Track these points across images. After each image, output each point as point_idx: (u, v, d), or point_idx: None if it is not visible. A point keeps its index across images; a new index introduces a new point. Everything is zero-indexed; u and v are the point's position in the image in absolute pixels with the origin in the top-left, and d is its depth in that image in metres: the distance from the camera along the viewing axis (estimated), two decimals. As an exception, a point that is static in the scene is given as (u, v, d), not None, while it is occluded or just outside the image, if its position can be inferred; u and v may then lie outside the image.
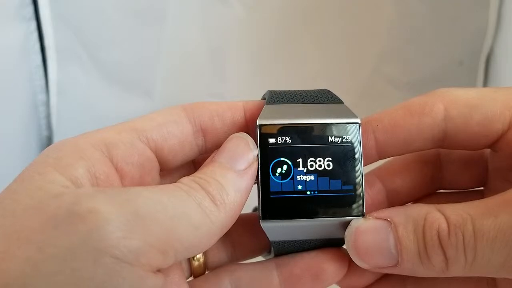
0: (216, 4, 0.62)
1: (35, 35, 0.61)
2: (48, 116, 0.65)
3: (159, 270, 0.22)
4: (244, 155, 0.25)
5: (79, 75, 0.64)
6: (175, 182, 0.24)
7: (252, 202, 0.26)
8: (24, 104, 0.62)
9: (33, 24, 0.60)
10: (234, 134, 0.26)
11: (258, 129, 0.26)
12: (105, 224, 0.20)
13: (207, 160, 0.25)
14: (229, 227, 0.24)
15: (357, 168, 0.26)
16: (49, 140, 0.66)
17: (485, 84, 0.63)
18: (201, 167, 0.25)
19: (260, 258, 0.29)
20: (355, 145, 0.26)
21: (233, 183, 0.24)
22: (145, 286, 0.21)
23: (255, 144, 0.25)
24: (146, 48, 0.64)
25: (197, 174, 0.24)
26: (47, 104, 0.64)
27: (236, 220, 0.28)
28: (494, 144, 0.26)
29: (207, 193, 0.23)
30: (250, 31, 0.64)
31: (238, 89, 0.66)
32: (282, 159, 0.25)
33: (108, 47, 0.64)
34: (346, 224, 0.25)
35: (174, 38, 0.63)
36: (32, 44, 0.61)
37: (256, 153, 0.25)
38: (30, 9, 0.59)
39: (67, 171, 0.22)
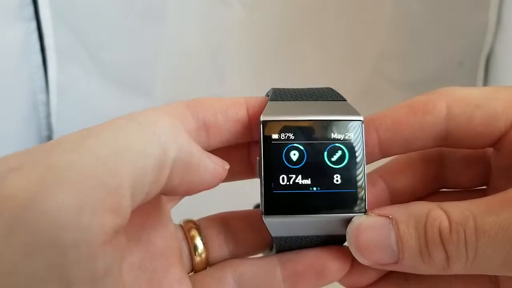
0: (216, 4, 0.62)
1: (35, 35, 0.61)
2: (48, 116, 0.65)
3: (116, 232, 0.20)
4: None
5: (79, 75, 0.64)
6: None
7: (253, 199, 0.27)
8: (24, 104, 0.62)
9: (33, 24, 0.60)
10: None
11: (261, 125, 0.26)
12: (29, 205, 0.18)
13: None
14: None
15: (359, 165, 0.26)
16: (49, 140, 0.66)
17: (485, 84, 0.63)
18: None
19: (261, 255, 0.29)
20: (357, 142, 0.26)
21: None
22: (97, 264, 0.19)
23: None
24: (146, 48, 0.64)
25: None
26: (47, 104, 0.64)
27: (238, 216, 0.28)
28: (496, 143, 0.26)
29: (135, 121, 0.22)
30: (250, 31, 0.64)
31: (238, 89, 0.66)
32: (285, 155, 0.25)
33: (108, 47, 0.64)
34: (348, 221, 0.26)
35: (174, 38, 0.63)
36: (32, 44, 0.61)
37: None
38: (30, 9, 0.59)
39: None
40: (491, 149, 0.27)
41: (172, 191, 0.24)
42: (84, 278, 0.18)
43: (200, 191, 0.25)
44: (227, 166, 0.26)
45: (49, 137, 0.66)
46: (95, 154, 0.20)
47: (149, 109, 0.24)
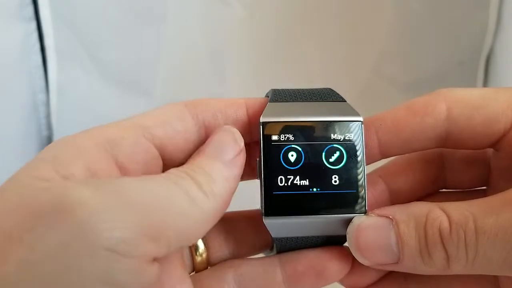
0: (216, 4, 0.62)
1: (35, 35, 0.61)
2: (48, 116, 0.65)
3: (155, 260, 0.22)
4: (230, 146, 0.25)
5: (79, 75, 0.64)
6: None
7: (254, 200, 0.27)
8: (24, 104, 0.62)
9: (33, 24, 0.60)
10: (220, 127, 0.26)
11: (261, 126, 0.26)
12: (95, 215, 0.20)
13: (194, 153, 0.25)
14: (220, 215, 0.24)
15: (359, 165, 0.26)
16: (49, 140, 0.66)
17: (485, 84, 0.63)
18: (189, 159, 0.25)
19: (262, 255, 0.29)
20: (357, 142, 0.26)
21: (219, 172, 0.24)
22: (142, 276, 0.21)
23: (241, 136, 0.26)
24: (146, 48, 0.64)
25: (184, 165, 0.24)
26: (47, 104, 0.64)
27: (239, 217, 0.28)
28: (496, 143, 0.26)
29: (194, 181, 0.23)
30: (250, 31, 0.64)
31: (238, 89, 0.66)
32: (284, 156, 0.26)
33: (108, 47, 0.64)
34: (348, 221, 0.26)
35: (174, 38, 0.63)
36: (32, 44, 0.61)
37: (242, 145, 0.25)
38: (30, 9, 0.59)
39: (62, 168, 0.22)
40: (491, 150, 0.28)
41: None
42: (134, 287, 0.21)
43: None
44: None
45: (49, 137, 0.66)
46: (151, 198, 0.22)
47: (142, 114, 0.26)
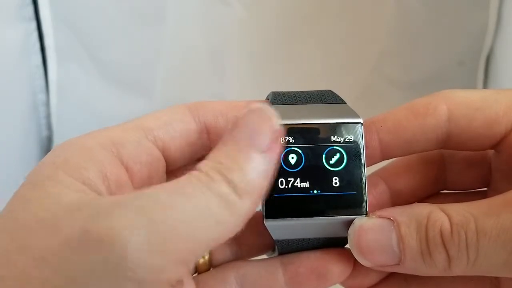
0: (216, 4, 0.62)
1: (35, 35, 0.61)
2: (48, 116, 0.65)
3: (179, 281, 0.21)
4: (265, 129, 0.22)
5: (79, 75, 0.64)
6: None
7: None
8: (24, 104, 0.62)
9: (33, 24, 0.60)
10: (251, 106, 0.23)
11: None
12: (124, 244, 0.19)
13: (224, 137, 0.23)
14: (251, 216, 0.22)
15: (359, 167, 0.26)
16: (49, 140, 0.66)
17: (485, 83, 0.63)
18: (219, 144, 0.22)
19: (263, 257, 0.29)
20: (357, 144, 0.26)
21: (256, 166, 0.22)
22: None
23: (275, 113, 0.23)
24: (146, 48, 0.64)
25: (216, 157, 0.22)
26: (47, 104, 0.64)
27: None
28: (497, 145, 0.26)
29: (228, 183, 0.21)
30: (250, 31, 0.64)
31: (238, 89, 0.66)
32: (285, 158, 0.26)
33: (108, 47, 0.64)
34: (349, 223, 0.26)
35: (174, 38, 0.63)
36: (32, 44, 0.61)
37: (280, 123, 0.23)
38: (30, 9, 0.59)
39: (78, 173, 0.22)
40: (492, 151, 0.28)
41: None
42: None
43: None
44: None
45: (49, 137, 0.66)
46: (185, 217, 0.20)
47: (145, 116, 0.25)
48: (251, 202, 0.22)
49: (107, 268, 0.19)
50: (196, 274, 0.28)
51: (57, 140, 0.65)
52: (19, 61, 0.60)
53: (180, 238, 0.20)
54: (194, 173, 0.21)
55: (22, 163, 0.62)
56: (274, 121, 0.22)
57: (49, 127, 0.65)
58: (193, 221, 0.20)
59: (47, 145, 0.66)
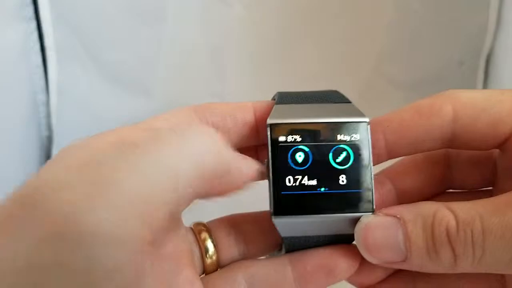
0: (216, 4, 0.62)
1: (35, 35, 0.61)
2: (48, 116, 0.65)
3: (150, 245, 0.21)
4: None
5: (79, 75, 0.64)
6: None
7: (261, 200, 0.27)
8: (24, 104, 0.62)
9: (33, 24, 0.60)
10: None
11: (268, 128, 0.26)
12: (74, 213, 0.19)
13: None
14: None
15: (366, 165, 0.26)
16: (49, 140, 0.66)
17: (485, 84, 0.63)
18: None
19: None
20: (364, 143, 0.26)
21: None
22: (128, 273, 0.20)
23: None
24: (146, 48, 0.64)
25: None
26: (47, 104, 0.64)
27: (247, 218, 0.28)
28: (502, 144, 0.26)
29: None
30: (250, 31, 0.64)
31: (238, 89, 0.66)
32: (292, 157, 0.26)
33: (108, 47, 0.64)
34: (356, 220, 0.26)
35: (174, 38, 0.63)
36: (32, 44, 0.61)
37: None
38: (30, 9, 0.59)
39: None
40: (497, 150, 0.28)
41: (207, 196, 0.24)
42: (118, 286, 0.19)
43: (232, 192, 0.26)
44: (259, 167, 0.26)
45: (49, 137, 0.66)
46: (138, 172, 0.20)
47: (153, 118, 0.25)
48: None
49: (63, 242, 0.19)
50: (204, 275, 0.28)
51: (57, 140, 0.65)
52: (19, 61, 0.60)
53: (129, 195, 0.20)
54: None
55: (22, 163, 0.62)
56: None
57: (49, 127, 0.65)
58: (145, 177, 0.20)
59: (47, 145, 0.66)
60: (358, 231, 0.26)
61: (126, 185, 0.20)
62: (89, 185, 0.20)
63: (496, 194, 0.25)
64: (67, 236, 0.19)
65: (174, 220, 0.25)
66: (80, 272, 0.19)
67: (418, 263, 0.24)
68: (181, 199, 0.22)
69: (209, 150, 0.23)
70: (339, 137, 0.26)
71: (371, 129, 0.27)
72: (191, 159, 0.22)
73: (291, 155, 0.26)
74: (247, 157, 0.26)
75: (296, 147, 0.26)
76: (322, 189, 0.26)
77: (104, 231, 0.19)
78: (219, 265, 0.28)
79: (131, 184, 0.20)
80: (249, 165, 0.26)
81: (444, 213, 0.24)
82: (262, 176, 0.27)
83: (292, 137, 0.26)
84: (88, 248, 0.19)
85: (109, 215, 0.19)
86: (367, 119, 0.27)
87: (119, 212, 0.19)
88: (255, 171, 0.26)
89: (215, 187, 0.24)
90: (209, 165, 0.23)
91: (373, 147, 0.27)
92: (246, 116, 0.27)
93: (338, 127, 0.26)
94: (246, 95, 0.28)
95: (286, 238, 0.27)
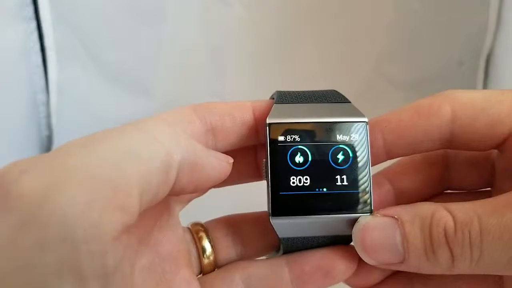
0: (216, 4, 0.62)
1: (35, 35, 0.61)
2: (48, 116, 0.65)
3: (124, 231, 0.20)
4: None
5: (79, 75, 0.64)
6: None
7: (259, 201, 0.27)
8: (24, 104, 0.62)
9: (33, 24, 0.60)
10: None
11: (267, 127, 0.26)
12: (43, 203, 0.19)
13: None
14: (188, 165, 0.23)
15: (364, 165, 0.26)
16: (49, 140, 0.66)
17: (485, 84, 0.63)
18: None
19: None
20: (362, 143, 0.26)
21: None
22: (108, 259, 0.20)
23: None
24: (146, 48, 0.64)
25: None
26: (47, 104, 0.64)
27: (245, 219, 0.28)
28: (500, 145, 0.26)
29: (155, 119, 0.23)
30: (250, 31, 0.64)
31: (238, 89, 0.66)
32: (291, 157, 0.26)
33: (108, 47, 0.64)
34: (354, 221, 0.26)
35: (174, 38, 0.63)
36: (32, 44, 0.61)
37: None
38: (30, 9, 0.59)
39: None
40: (496, 151, 0.28)
41: (181, 191, 0.24)
42: (95, 272, 0.19)
43: (208, 187, 0.26)
44: (231, 161, 0.26)
45: (49, 137, 0.66)
46: (102, 157, 0.21)
47: (148, 118, 0.25)
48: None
49: (24, 231, 0.19)
50: (201, 275, 0.28)
51: (57, 140, 0.65)
52: (19, 61, 0.60)
53: (106, 179, 0.20)
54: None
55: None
56: None
57: (49, 127, 0.65)
58: (116, 157, 0.20)
59: (47, 145, 0.66)
60: (356, 232, 0.26)
61: (90, 170, 0.20)
62: (54, 170, 0.20)
63: (495, 195, 0.25)
64: (40, 222, 0.19)
65: (155, 211, 0.25)
66: (58, 255, 0.19)
67: (416, 264, 0.24)
68: (147, 185, 0.21)
69: (168, 141, 0.23)
70: (338, 137, 0.26)
71: (369, 129, 0.26)
72: (150, 148, 0.22)
73: (290, 155, 0.26)
74: (217, 152, 0.26)
75: (295, 147, 0.26)
76: (321, 189, 0.26)
77: (74, 211, 0.19)
78: (216, 266, 0.28)
79: (95, 169, 0.20)
80: (220, 159, 0.26)
81: (442, 214, 0.24)
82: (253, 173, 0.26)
83: (291, 137, 0.26)
84: (63, 232, 0.19)
85: (78, 198, 0.19)
86: (366, 119, 0.27)
87: (87, 194, 0.19)
88: (226, 164, 0.26)
89: (187, 182, 0.24)
90: (169, 155, 0.23)
91: (372, 147, 0.27)
92: (245, 116, 0.27)
93: (337, 127, 0.26)
94: (246, 95, 0.28)
95: (284, 239, 0.27)
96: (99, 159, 0.20)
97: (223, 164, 0.26)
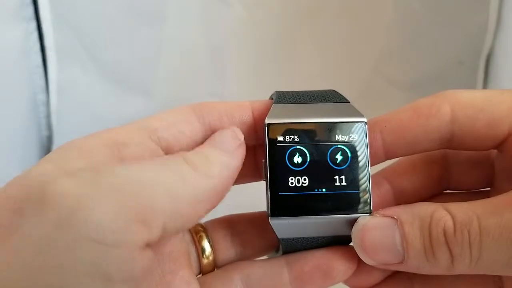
0: (216, 4, 0.62)
1: (35, 35, 0.61)
2: (48, 116, 0.65)
3: (148, 245, 0.21)
4: (229, 139, 0.25)
5: (79, 75, 0.64)
6: None
7: (259, 201, 0.27)
8: (24, 104, 0.62)
9: (33, 24, 0.60)
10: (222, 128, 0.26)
11: (266, 128, 0.26)
12: (78, 206, 0.20)
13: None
14: (216, 200, 0.24)
15: (364, 165, 0.26)
16: (49, 140, 0.66)
17: (485, 84, 0.63)
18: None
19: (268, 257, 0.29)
20: (361, 143, 0.26)
21: (218, 157, 0.24)
22: (134, 266, 0.20)
23: (240, 132, 0.26)
24: (146, 48, 0.64)
25: (181, 152, 0.24)
26: (47, 104, 0.64)
27: (245, 219, 0.28)
28: (500, 145, 0.26)
29: (188, 163, 0.23)
30: (250, 31, 0.64)
31: (238, 89, 0.66)
32: (290, 157, 0.26)
33: (108, 47, 0.64)
34: (353, 222, 0.26)
35: (174, 38, 0.63)
36: (32, 44, 0.61)
37: (242, 139, 0.26)
38: (30, 9, 0.59)
39: (66, 165, 0.22)
40: (495, 151, 0.28)
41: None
42: (123, 277, 0.20)
43: None
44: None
45: (49, 137, 0.66)
46: (139, 183, 0.21)
47: (148, 117, 0.26)
48: (211, 183, 0.23)
49: (62, 234, 0.19)
50: (200, 275, 0.28)
51: (57, 140, 0.65)
52: (19, 61, 0.60)
53: (134, 198, 0.21)
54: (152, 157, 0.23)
55: (22, 163, 0.62)
56: (239, 135, 0.26)
57: (49, 127, 0.65)
58: (146, 186, 0.21)
59: (47, 145, 0.66)
60: (355, 232, 0.26)
61: (128, 189, 0.21)
62: (94, 182, 0.21)
63: (494, 195, 0.25)
64: (77, 224, 0.19)
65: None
66: (90, 257, 0.19)
67: (415, 264, 0.24)
68: (179, 216, 0.22)
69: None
70: (337, 137, 0.26)
71: (368, 129, 0.26)
72: (184, 188, 0.22)
73: (288, 155, 0.26)
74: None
75: (294, 147, 0.26)
76: (320, 190, 0.26)
77: (106, 217, 0.20)
78: (215, 266, 0.28)
79: (132, 190, 0.21)
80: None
81: (441, 214, 0.24)
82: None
83: (290, 137, 0.26)
84: (96, 236, 0.19)
85: (113, 211, 0.20)
86: (365, 119, 0.26)
87: (121, 210, 0.20)
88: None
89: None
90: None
91: (371, 147, 0.27)
92: (244, 116, 0.27)
93: (336, 127, 0.26)
94: (246, 95, 0.28)
95: (283, 239, 0.27)
96: (137, 183, 0.21)
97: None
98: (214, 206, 0.24)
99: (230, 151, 0.25)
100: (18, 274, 0.19)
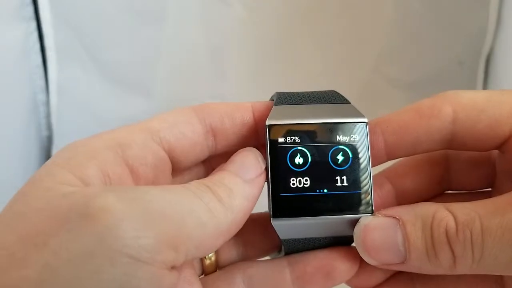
0: (216, 4, 0.62)
1: (35, 35, 0.61)
2: (48, 116, 0.65)
3: (173, 267, 0.22)
4: (252, 166, 0.25)
5: (79, 75, 0.64)
6: (185, 182, 0.24)
7: (260, 202, 0.27)
8: (24, 104, 0.62)
9: (33, 24, 0.60)
10: (243, 148, 0.26)
11: (267, 129, 0.26)
12: (119, 223, 0.20)
13: (216, 169, 0.26)
14: (235, 231, 0.24)
15: (365, 166, 0.26)
16: (49, 140, 0.66)
17: (485, 84, 0.63)
18: (210, 175, 0.25)
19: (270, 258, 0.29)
20: (363, 143, 0.26)
21: (241, 189, 0.24)
22: (162, 284, 0.21)
23: (262, 157, 0.26)
24: (146, 48, 0.64)
25: (206, 179, 0.24)
26: (47, 104, 0.64)
27: (247, 220, 0.28)
28: (501, 145, 0.26)
29: (214, 194, 0.23)
30: (250, 31, 0.64)
31: (238, 89, 0.66)
32: (291, 158, 0.26)
33: (108, 47, 0.64)
34: (355, 222, 0.26)
35: (174, 38, 0.64)
36: (32, 44, 0.61)
37: (264, 167, 0.26)
38: (30, 9, 0.59)
39: (78, 171, 0.22)
40: (496, 151, 0.28)
41: None
42: None
43: None
44: None
45: (49, 137, 0.66)
46: (176, 212, 0.22)
47: (150, 118, 0.26)
48: (234, 217, 0.24)
49: (102, 246, 0.20)
50: (203, 276, 0.28)
51: (57, 140, 0.65)
52: (19, 61, 0.60)
53: (168, 224, 0.21)
54: (183, 184, 0.24)
55: (22, 163, 0.62)
56: (261, 162, 0.26)
57: (49, 127, 0.65)
58: (180, 214, 0.22)
59: (47, 145, 0.66)
60: (357, 232, 0.26)
61: (163, 216, 0.21)
62: (133, 202, 0.21)
63: (495, 195, 0.25)
64: (116, 239, 0.20)
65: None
66: (124, 271, 0.20)
67: (417, 264, 0.24)
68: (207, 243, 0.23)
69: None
70: (338, 138, 0.26)
71: (370, 130, 0.26)
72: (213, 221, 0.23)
73: (290, 156, 0.26)
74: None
75: (295, 148, 0.26)
76: (321, 190, 0.26)
77: (143, 243, 0.20)
78: (218, 266, 0.28)
79: (166, 217, 0.22)
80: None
81: (443, 214, 0.24)
82: None
83: (291, 138, 0.26)
84: (131, 253, 0.20)
85: (151, 239, 0.21)
86: (365, 120, 0.26)
87: (156, 233, 0.21)
88: None
89: None
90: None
91: (372, 148, 0.27)
92: (244, 117, 0.27)
93: (336, 128, 0.26)
94: (246, 95, 0.28)
95: (285, 240, 0.27)
96: (170, 210, 0.22)
97: None
98: (231, 236, 0.24)
99: (252, 179, 0.25)
100: (48, 283, 0.20)
